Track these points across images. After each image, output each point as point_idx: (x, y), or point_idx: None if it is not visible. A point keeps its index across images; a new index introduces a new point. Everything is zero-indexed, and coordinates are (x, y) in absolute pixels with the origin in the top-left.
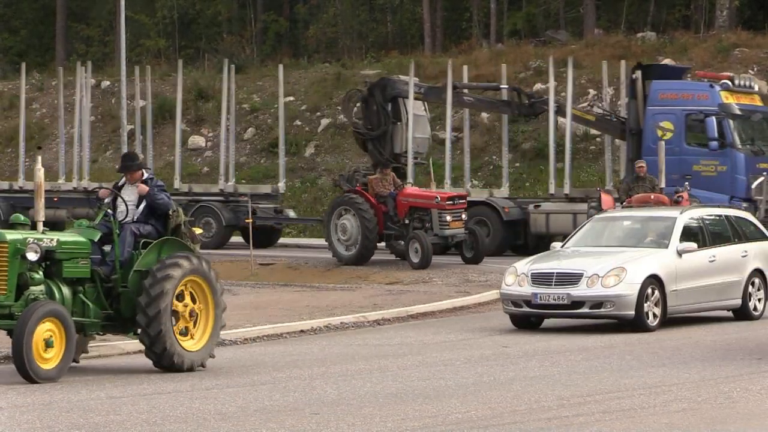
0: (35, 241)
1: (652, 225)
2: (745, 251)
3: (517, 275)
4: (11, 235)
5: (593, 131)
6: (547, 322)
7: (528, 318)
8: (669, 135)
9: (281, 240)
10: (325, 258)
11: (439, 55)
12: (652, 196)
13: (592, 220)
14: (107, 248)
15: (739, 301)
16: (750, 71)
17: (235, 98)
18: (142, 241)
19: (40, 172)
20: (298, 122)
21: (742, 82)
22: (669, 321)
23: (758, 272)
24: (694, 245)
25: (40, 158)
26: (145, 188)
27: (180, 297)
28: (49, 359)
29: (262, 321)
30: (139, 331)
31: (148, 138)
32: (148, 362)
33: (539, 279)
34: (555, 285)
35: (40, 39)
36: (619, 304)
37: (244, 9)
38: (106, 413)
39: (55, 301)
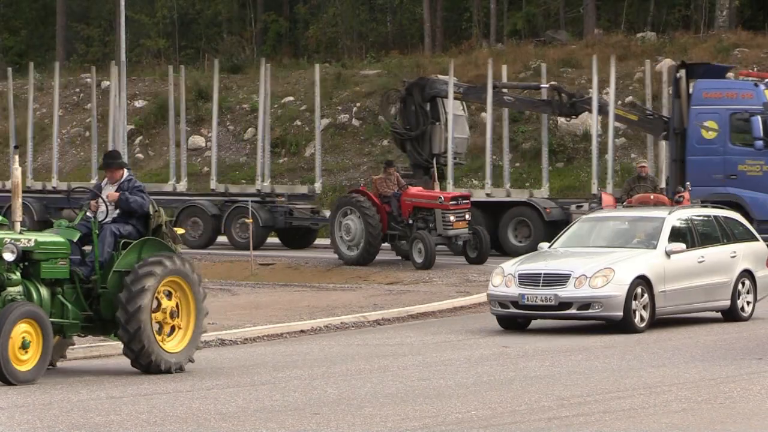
0: (12, 241)
1: (641, 225)
2: (734, 252)
3: (504, 276)
4: None
5: (592, 131)
6: (541, 323)
7: (515, 319)
8: (714, 134)
9: (317, 241)
10: (325, 258)
11: (439, 55)
12: (652, 197)
13: (580, 220)
14: (88, 249)
15: (727, 302)
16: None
17: (235, 98)
18: (122, 241)
19: (17, 171)
20: (298, 122)
21: None
22: (669, 321)
23: (747, 273)
24: (682, 246)
25: (17, 157)
26: (114, 196)
27: (160, 298)
28: (25, 361)
29: (263, 321)
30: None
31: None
32: None
33: (526, 280)
34: (542, 286)
35: (40, 39)
36: (607, 305)
37: (244, 9)
38: (106, 413)
39: (32, 302)
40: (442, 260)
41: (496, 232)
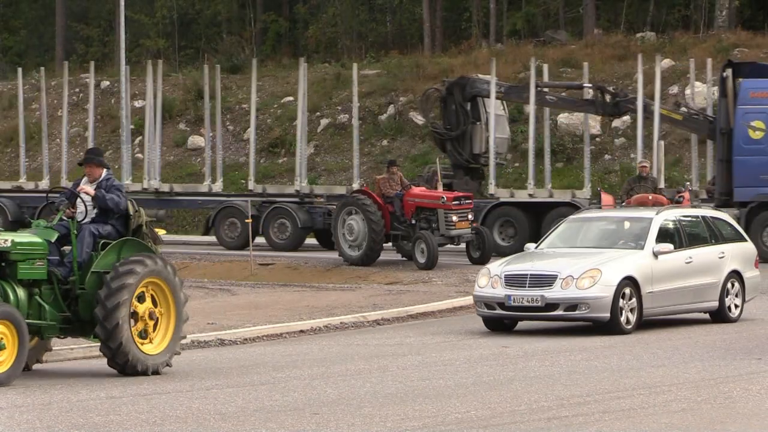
0: None
1: (628, 226)
2: (722, 252)
3: (491, 277)
4: None
5: (593, 131)
6: (533, 324)
7: (501, 321)
8: (761, 134)
9: None
10: (324, 258)
11: (438, 55)
12: (650, 197)
13: (567, 220)
14: (67, 249)
15: (716, 303)
16: None
17: (235, 98)
18: (102, 242)
19: None
20: (297, 122)
21: None
22: (669, 321)
23: (735, 274)
24: (670, 246)
25: None
26: (90, 191)
27: (139, 299)
28: (0, 363)
29: (262, 321)
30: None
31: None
32: None
33: (513, 281)
34: (529, 287)
35: (40, 39)
36: (594, 307)
37: (244, 9)
38: (106, 413)
39: (8, 303)
40: (443, 261)
41: (539, 232)
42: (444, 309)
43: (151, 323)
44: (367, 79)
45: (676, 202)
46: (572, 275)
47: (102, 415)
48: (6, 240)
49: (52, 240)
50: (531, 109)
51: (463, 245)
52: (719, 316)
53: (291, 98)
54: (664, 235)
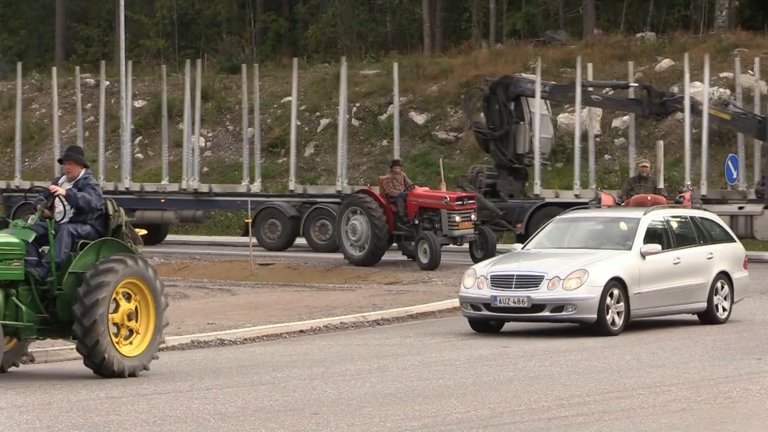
0: None
1: (616, 226)
2: (711, 253)
3: (477, 277)
4: None
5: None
6: (530, 325)
7: (487, 322)
8: None
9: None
10: (324, 258)
11: (438, 55)
12: (649, 197)
13: (555, 220)
14: (46, 249)
15: (704, 305)
16: (750, 72)
17: (235, 98)
18: (81, 242)
19: None
20: (297, 122)
21: None
22: (668, 321)
23: (724, 275)
24: (657, 247)
25: None
26: (61, 191)
27: (118, 298)
28: None
29: (262, 321)
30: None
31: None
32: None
33: (499, 281)
34: (515, 288)
35: (40, 39)
36: (580, 308)
37: (244, 9)
38: (106, 413)
39: None
40: (447, 260)
41: None
42: (444, 309)
43: (129, 324)
44: (367, 79)
45: (676, 203)
46: (559, 276)
47: (102, 415)
48: None
49: (30, 240)
50: (577, 108)
51: (466, 245)
52: (707, 317)
53: (291, 98)
54: (651, 236)
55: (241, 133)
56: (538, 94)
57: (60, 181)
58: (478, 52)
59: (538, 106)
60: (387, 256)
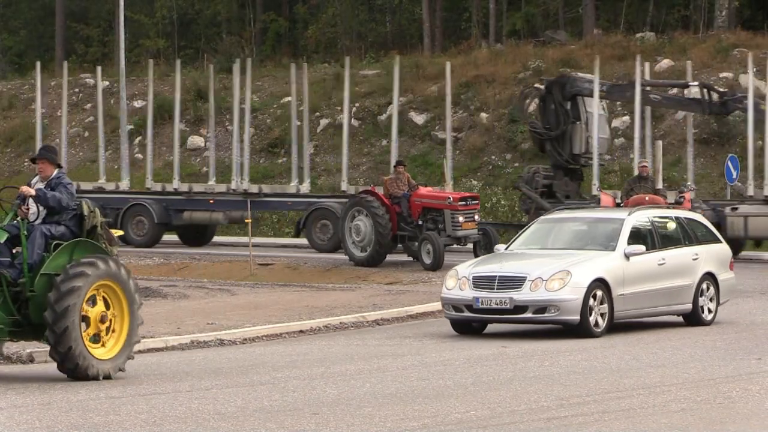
0: None
1: (600, 227)
2: (696, 254)
3: (459, 278)
4: None
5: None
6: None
7: (469, 323)
8: None
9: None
10: (324, 258)
11: (438, 55)
12: (647, 198)
13: (538, 221)
14: (19, 250)
15: (689, 306)
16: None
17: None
18: (54, 242)
19: None
20: (297, 122)
21: None
22: (669, 321)
23: (710, 276)
24: (642, 248)
25: None
26: (30, 191)
27: (91, 301)
28: None
29: (262, 321)
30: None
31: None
32: (148, 362)
33: (481, 282)
34: (497, 289)
35: (40, 39)
36: (563, 309)
37: (244, 9)
38: (106, 413)
39: None
40: (451, 260)
41: None
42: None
43: (103, 327)
44: (367, 79)
45: (677, 203)
46: (541, 277)
47: (101, 415)
48: None
49: (2, 241)
50: (636, 108)
51: (470, 245)
52: (693, 318)
53: (290, 98)
54: (636, 237)
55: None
56: (596, 93)
57: (33, 181)
58: (478, 52)
59: (596, 106)
60: (389, 257)
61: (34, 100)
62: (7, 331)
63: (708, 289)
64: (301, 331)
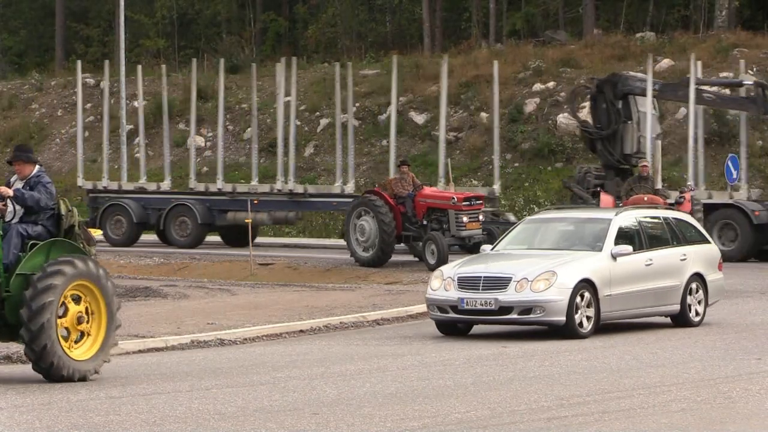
0: None
1: (587, 227)
2: (684, 255)
3: (444, 279)
4: None
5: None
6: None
7: (455, 324)
8: None
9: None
10: (324, 258)
11: (438, 55)
12: (645, 198)
13: (525, 221)
14: None
15: (677, 307)
16: (749, 72)
17: (235, 98)
18: (31, 242)
19: None
20: (297, 122)
21: None
22: (669, 321)
23: (698, 276)
24: (629, 248)
25: None
26: (7, 191)
27: (68, 301)
28: None
29: (262, 321)
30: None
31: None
32: (148, 362)
33: (466, 283)
34: (482, 290)
35: (40, 39)
36: (549, 310)
37: (244, 9)
38: (106, 413)
39: None
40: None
41: None
42: None
43: (80, 327)
44: (367, 79)
45: (677, 203)
46: (527, 277)
47: (102, 415)
48: None
49: None
50: (690, 108)
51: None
52: (681, 319)
53: (290, 98)
54: (623, 237)
55: (241, 133)
56: (649, 92)
57: (12, 180)
58: (478, 52)
59: (649, 105)
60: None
61: (35, 100)
62: None
63: (696, 289)
64: (301, 331)
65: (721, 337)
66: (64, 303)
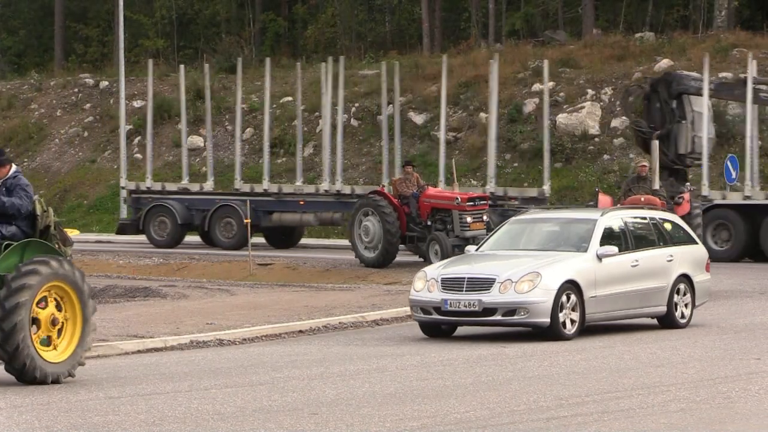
0: None
1: (572, 228)
2: (671, 255)
3: (427, 280)
4: None
5: (592, 131)
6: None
7: (438, 326)
8: None
9: None
10: (323, 258)
11: (437, 55)
12: (642, 198)
13: (510, 221)
14: None
15: (664, 308)
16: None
17: (234, 98)
18: (5, 243)
19: None
20: (296, 122)
21: None
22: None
23: (685, 277)
24: (614, 249)
25: None
26: None
27: (42, 303)
28: None
29: (261, 321)
30: None
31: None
32: (147, 362)
33: (449, 284)
34: (466, 291)
35: (39, 39)
36: (533, 311)
37: (243, 9)
38: (105, 413)
39: None
40: None
41: (756, 237)
42: None
43: (54, 329)
44: (366, 79)
45: (675, 204)
46: (511, 279)
47: (101, 416)
48: None
49: None
50: (748, 108)
51: None
52: (667, 321)
53: (290, 98)
54: (609, 238)
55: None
56: (706, 92)
57: None
58: (477, 52)
59: (706, 105)
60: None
61: (34, 100)
62: None
63: (683, 291)
64: (300, 332)
65: (720, 337)
66: (38, 304)
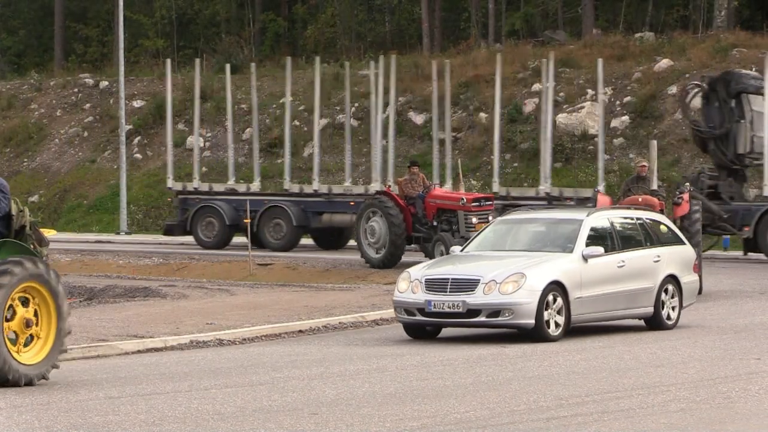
0: None
1: (558, 228)
2: (658, 256)
3: (411, 281)
4: None
5: (591, 131)
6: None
7: (422, 327)
8: None
9: None
10: (323, 258)
11: (437, 55)
12: (640, 198)
13: (495, 222)
14: None
15: (650, 309)
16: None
17: (234, 98)
18: None
19: None
20: (296, 122)
21: None
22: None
23: (672, 278)
24: (600, 249)
25: None
26: None
27: (15, 304)
28: None
29: (261, 321)
30: None
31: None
32: (147, 362)
33: (433, 285)
34: (450, 292)
35: (39, 39)
36: (517, 313)
37: (243, 9)
38: (105, 413)
39: None
40: None
41: None
42: None
43: (28, 331)
44: (366, 79)
45: (674, 204)
46: (495, 280)
47: (101, 415)
48: None
49: None
50: None
51: None
52: (654, 322)
53: (290, 98)
54: (595, 238)
55: (241, 133)
56: (767, 91)
57: None
58: (477, 52)
59: (767, 104)
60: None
61: (34, 100)
62: None
63: (670, 292)
64: (300, 331)
65: (720, 337)
66: (11, 305)
